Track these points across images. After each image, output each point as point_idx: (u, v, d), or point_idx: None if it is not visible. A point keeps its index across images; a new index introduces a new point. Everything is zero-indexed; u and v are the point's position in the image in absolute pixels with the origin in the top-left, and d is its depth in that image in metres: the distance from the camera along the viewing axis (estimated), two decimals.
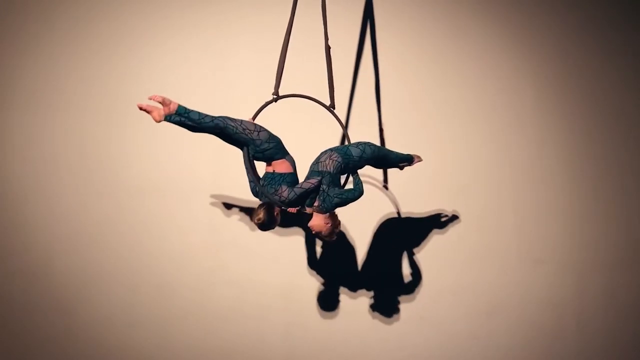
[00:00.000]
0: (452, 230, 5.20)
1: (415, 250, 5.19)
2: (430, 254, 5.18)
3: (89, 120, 5.12)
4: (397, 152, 4.30)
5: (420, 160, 4.40)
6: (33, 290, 5.05)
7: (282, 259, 5.12)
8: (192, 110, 3.71)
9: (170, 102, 3.66)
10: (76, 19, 5.15)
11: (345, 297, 5.16)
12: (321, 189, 3.85)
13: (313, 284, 5.13)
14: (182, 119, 3.67)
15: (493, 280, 5.20)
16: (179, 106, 3.67)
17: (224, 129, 3.79)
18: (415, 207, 5.19)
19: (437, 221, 5.20)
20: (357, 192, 3.92)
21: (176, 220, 5.10)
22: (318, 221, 3.90)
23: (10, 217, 5.06)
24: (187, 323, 5.10)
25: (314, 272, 5.14)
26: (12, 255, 5.05)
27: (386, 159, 4.22)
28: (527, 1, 5.32)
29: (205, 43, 5.17)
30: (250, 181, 3.99)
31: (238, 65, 5.17)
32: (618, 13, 5.33)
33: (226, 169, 5.07)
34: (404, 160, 4.31)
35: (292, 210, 3.91)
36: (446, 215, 5.20)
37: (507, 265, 5.22)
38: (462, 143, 5.24)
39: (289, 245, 5.11)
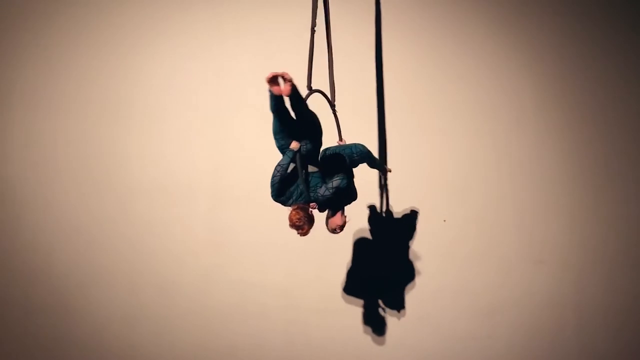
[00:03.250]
0: (452, 230, 5.20)
1: (415, 250, 5.19)
2: (430, 254, 5.18)
3: (89, 120, 5.13)
4: (378, 159, 4.37)
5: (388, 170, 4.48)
6: (33, 290, 5.05)
7: (283, 258, 5.12)
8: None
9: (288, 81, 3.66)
10: (77, 20, 5.15)
11: (345, 296, 5.16)
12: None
13: (313, 282, 5.13)
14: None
15: (493, 280, 5.20)
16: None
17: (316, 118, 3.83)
18: (416, 207, 5.19)
19: (438, 221, 5.20)
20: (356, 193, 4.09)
21: (177, 220, 5.10)
22: (342, 218, 3.97)
23: (11, 217, 5.06)
24: (188, 322, 5.10)
25: (315, 271, 5.14)
26: (12, 255, 5.05)
27: (371, 163, 4.32)
28: (527, 2, 5.32)
29: (207, 44, 5.17)
30: (280, 183, 3.85)
31: (239, 66, 5.17)
32: (618, 13, 5.33)
33: (227, 168, 5.07)
34: (381, 168, 4.44)
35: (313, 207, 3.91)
36: (446, 215, 5.20)
37: (507, 265, 5.21)
38: (462, 143, 5.24)
39: (290, 245, 5.11)
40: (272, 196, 3.85)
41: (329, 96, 4.22)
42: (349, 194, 3.98)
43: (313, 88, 4.13)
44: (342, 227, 3.98)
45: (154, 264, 5.10)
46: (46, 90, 5.11)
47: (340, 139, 4.30)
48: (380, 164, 4.46)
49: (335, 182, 3.84)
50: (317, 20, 4.16)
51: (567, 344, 5.20)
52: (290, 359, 5.16)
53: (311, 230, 3.80)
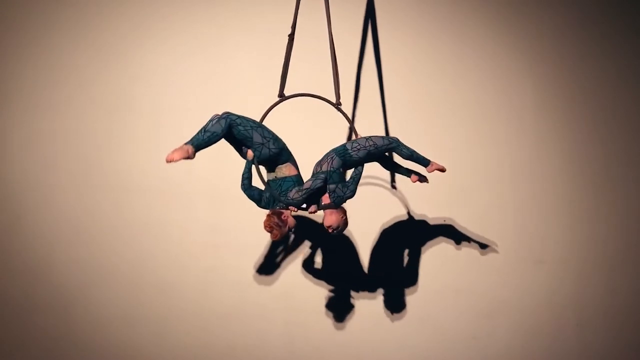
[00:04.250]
0: (453, 230, 5.20)
1: (415, 250, 5.19)
2: (431, 254, 5.19)
3: (89, 121, 5.12)
4: (413, 150, 4.10)
5: (440, 169, 4.15)
6: (33, 290, 5.04)
7: (282, 259, 5.11)
8: (207, 139, 3.71)
9: (191, 152, 3.66)
10: (76, 19, 5.15)
11: (345, 296, 5.16)
12: (328, 188, 3.88)
13: (313, 283, 5.13)
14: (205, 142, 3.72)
15: (493, 280, 5.20)
16: (197, 145, 3.69)
17: (231, 126, 3.77)
18: (416, 207, 5.19)
19: (438, 221, 5.20)
20: (350, 190, 3.94)
21: (176, 220, 5.10)
22: (336, 217, 3.91)
23: (10, 217, 5.05)
24: (187, 323, 5.09)
25: (314, 272, 5.14)
26: (12, 255, 5.03)
27: (398, 153, 4.08)
28: (527, 2, 5.33)
29: (206, 42, 5.17)
30: (248, 191, 3.97)
31: (239, 65, 5.17)
32: (618, 13, 5.34)
33: (227, 168, 5.07)
34: (420, 161, 4.11)
35: (312, 209, 3.93)
36: (446, 216, 5.21)
37: (507, 265, 5.22)
38: (462, 143, 5.25)
39: (289, 245, 5.11)
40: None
41: (335, 96, 4.15)
42: (341, 191, 3.89)
43: (287, 95, 4.14)
44: (334, 228, 3.93)
45: (154, 264, 5.09)
46: (46, 90, 5.10)
47: (355, 134, 4.18)
48: (417, 157, 4.09)
49: (307, 184, 3.86)
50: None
51: (567, 344, 5.21)
52: None
53: (283, 234, 3.85)
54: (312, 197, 3.89)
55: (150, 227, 5.10)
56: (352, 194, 3.94)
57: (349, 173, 4.06)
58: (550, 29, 5.33)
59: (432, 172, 4.19)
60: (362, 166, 4.01)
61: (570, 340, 5.21)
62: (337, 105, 4.17)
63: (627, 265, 5.25)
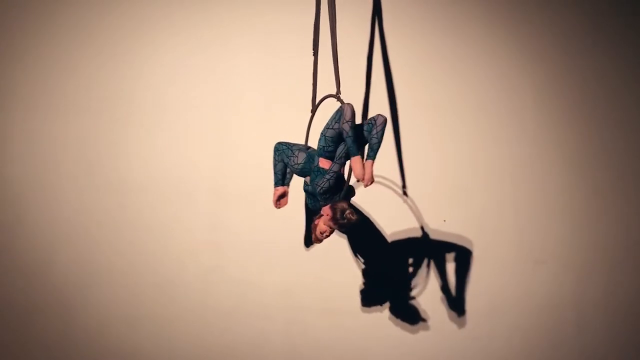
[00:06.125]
0: (452, 230, 5.20)
1: (415, 250, 5.19)
2: (431, 254, 5.18)
3: (89, 120, 5.12)
4: (353, 133, 3.58)
5: (357, 174, 3.65)
6: (33, 290, 5.04)
7: (283, 258, 5.11)
8: (275, 174, 4.06)
9: (280, 191, 4.07)
10: (77, 19, 5.15)
11: (345, 296, 5.16)
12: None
13: (314, 282, 5.13)
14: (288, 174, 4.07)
15: (493, 280, 5.20)
16: (275, 183, 4.06)
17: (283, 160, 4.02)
18: (416, 206, 5.19)
19: (438, 221, 5.20)
20: (318, 185, 3.75)
21: (177, 220, 5.10)
22: (322, 220, 3.87)
23: (11, 216, 5.05)
24: (188, 322, 5.09)
25: (315, 271, 5.14)
26: (12, 255, 5.03)
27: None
28: (528, 1, 5.33)
29: (207, 42, 5.17)
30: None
31: (241, 64, 5.17)
32: (618, 11, 5.34)
33: (228, 168, 5.07)
34: (348, 147, 3.61)
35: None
36: (446, 215, 5.20)
37: (507, 265, 5.22)
38: (462, 142, 5.25)
39: (290, 244, 5.11)
40: None
41: (336, 91, 4.00)
42: (312, 188, 3.83)
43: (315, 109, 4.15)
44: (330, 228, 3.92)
45: (155, 264, 5.09)
46: (46, 89, 5.11)
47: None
48: (349, 141, 3.57)
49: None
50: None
51: (567, 344, 5.21)
52: None
53: (317, 239, 3.97)
54: (313, 199, 3.96)
55: (151, 226, 5.10)
56: (321, 188, 3.73)
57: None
58: (550, 28, 5.32)
59: (370, 175, 3.69)
60: (335, 161, 3.78)
61: (570, 340, 5.21)
62: (337, 95, 3.97)
63: (627, 265, 5.25)
